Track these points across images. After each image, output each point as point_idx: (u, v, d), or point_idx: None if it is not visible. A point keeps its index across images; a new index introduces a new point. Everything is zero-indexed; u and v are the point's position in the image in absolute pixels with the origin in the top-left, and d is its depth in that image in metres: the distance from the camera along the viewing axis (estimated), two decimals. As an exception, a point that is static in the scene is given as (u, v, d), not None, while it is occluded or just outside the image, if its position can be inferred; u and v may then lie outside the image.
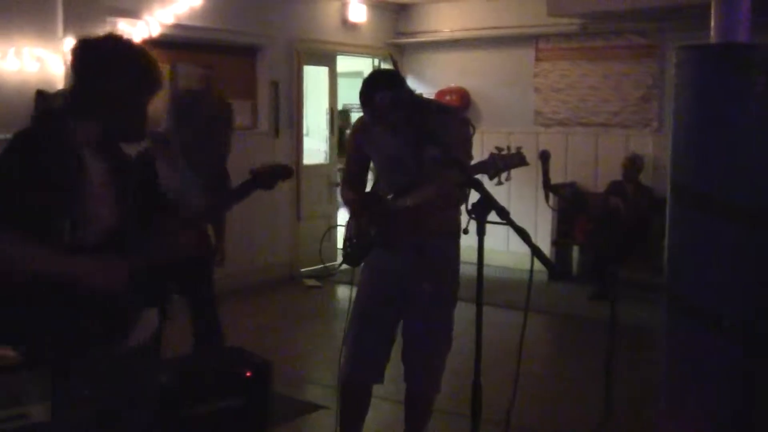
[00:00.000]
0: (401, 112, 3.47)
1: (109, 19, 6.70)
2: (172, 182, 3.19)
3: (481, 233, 2.79)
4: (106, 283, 2.45)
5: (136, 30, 6.87)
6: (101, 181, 2.54)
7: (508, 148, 3.18)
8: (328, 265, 8.77)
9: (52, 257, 2.42)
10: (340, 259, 3.93)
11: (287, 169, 2.90)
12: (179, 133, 4.64)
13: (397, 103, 3.45)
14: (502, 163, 3.13)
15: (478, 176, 2.98)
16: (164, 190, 2.95)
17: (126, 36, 2.62)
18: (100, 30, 6.38)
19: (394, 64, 4.39)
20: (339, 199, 3.73)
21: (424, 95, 5.63)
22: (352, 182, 3.90)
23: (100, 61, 2.50)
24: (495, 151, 3.15)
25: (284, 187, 6.63)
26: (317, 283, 8.57)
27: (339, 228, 8.69)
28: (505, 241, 9.04)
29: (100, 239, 2.50)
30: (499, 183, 3.13)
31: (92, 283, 2.43)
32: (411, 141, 3.54)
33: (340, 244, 4.23)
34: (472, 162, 3.36)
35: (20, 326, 2.45)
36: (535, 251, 2.73)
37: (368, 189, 3.95)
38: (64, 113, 2.54)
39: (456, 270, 3.82)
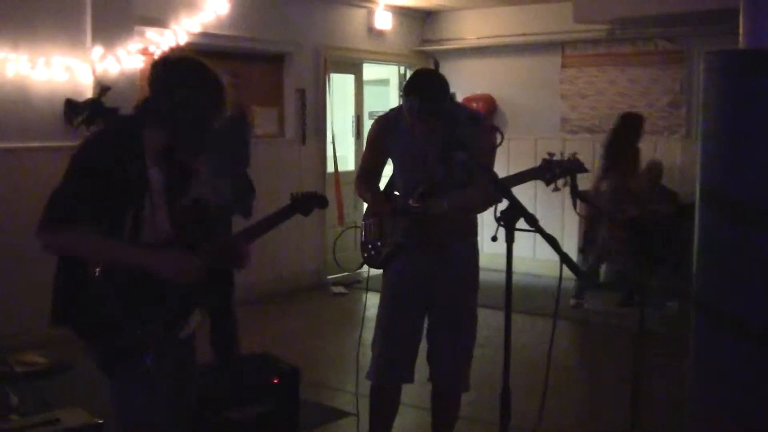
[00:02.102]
0: (425, 119, 3.48)
1: (137, 28, 6.76)
2: (204, 187, 3.25)
3: (509, 240, 2.79)
4: (178, 275, 2.68)
5: (164, 39, 6.94)
6: (159, 189, 2.73)
7: (561, 154, 3.17)
8: (350, 273, 8.76)
9: (128, 247, 2.62)
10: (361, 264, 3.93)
11: (323, 200, 3.26)
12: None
13: (417, 115, 3.47)
14: (559, 168, 3.14)
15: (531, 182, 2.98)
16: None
17: (201, 59, 2.79)
18: (129, 39, 6.52)
19: (436, 67, 4.43)
20: (365, 205, 3.72)
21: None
22: (367, 178, 3.89)
23: (177, 76, 2.69)
24: (547, 157, 3.15)
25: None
26: (344, 291, 8.59)
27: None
28: (531, 248, 9.01)
29: (157, 242, 2.70)
30: (556, 189, 3.12)
31: (166, 273, 2.65)
32: (439, 145, 3.53)
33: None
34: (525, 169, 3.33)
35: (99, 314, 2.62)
36: (564, 258, 2.71)
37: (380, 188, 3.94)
38: (136, 120, 2.73)
39: (476, 267, 3.84)
